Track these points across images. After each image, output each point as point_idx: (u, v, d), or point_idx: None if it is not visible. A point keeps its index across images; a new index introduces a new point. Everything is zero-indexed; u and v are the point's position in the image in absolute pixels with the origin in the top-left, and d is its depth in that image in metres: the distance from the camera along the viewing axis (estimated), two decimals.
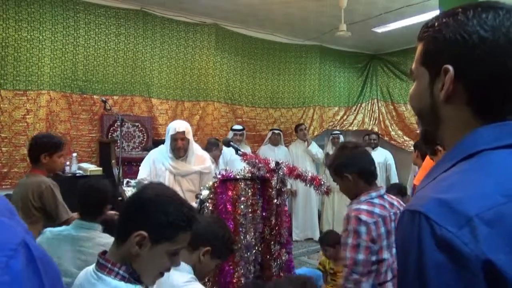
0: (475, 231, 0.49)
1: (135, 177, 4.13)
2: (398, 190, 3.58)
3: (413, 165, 4.33)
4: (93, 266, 1.13)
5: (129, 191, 3.68)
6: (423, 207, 0.54)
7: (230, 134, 4.95)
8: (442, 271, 0.50)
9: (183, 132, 2.84)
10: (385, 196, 1.75)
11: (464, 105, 0.62)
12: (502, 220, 0.50)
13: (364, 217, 1.59)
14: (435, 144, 0.63)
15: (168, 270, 1.15)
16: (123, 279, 1.07)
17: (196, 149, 3.01)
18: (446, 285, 0.50)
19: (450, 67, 0.61)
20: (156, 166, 2.92)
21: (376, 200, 1.68)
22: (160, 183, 1.34)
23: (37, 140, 2.47)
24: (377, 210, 1.64)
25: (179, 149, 2.86)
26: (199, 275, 1.62)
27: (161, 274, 1.13)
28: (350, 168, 1.72)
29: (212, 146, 4.20)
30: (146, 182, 2.88)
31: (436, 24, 0.65)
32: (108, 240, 1.88)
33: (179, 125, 2.88)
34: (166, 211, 1.08)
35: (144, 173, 2.95)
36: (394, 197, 1.83)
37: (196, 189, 2.81)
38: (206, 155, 3.07)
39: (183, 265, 1.53)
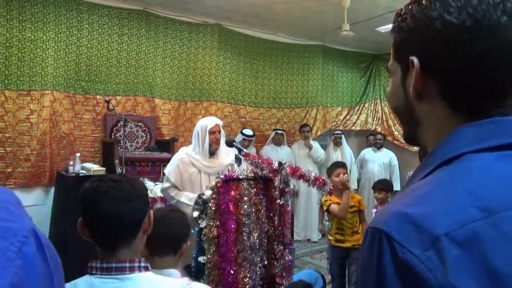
0: (442, 254, 0.41)
1: (138, 177, 4.16)
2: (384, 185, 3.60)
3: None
4: (91, 279, 1.04)
5: None
6: (384, 224, 0.45)
7: (239, 137, 4.84)
8: None
9: (219, 125, 2.93)
10: None
11: (438, 102, 0.55)
12: (477, 239, 0.42)
13: None
14: (419, 147, 0.59)
15: None
16: (147, 269, 1.08)
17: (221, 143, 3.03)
18: None
19: (415, 59, 0.54)
20: (186, 169, 2.85)
21: None
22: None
23: None
24: None
25: (216, 143, 2.88)
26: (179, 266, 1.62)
27: None
28: None
29: (227, 146, 4.21)
30: (171, 190, 2.85)
31: (403, 12, 0.58)
32: None
33: (215, 119, 2.97)
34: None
35: (171, 179, 2.86)
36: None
37: None
38: (227, 148, 3.01)
39: (172, 271, 1.48)
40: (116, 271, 1.04)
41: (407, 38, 0.57)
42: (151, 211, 1.15)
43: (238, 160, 2.94)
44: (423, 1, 0.54)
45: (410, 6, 0.57)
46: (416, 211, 0.44)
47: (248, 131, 5.05)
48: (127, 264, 1.05)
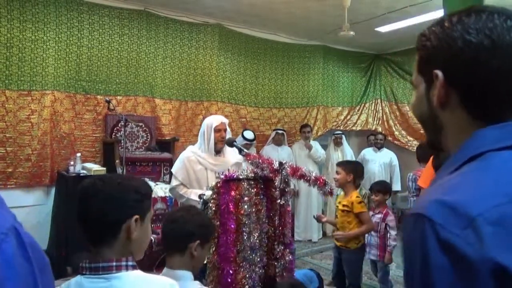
0: (478, 231, 0.49)
1: (139, 177, 4.15)
2: (382, 187, 3.60)
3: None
4: (81, 279, 1.07)
5: None
6: (425, 210, 0.54)
7: (240, 140, 4.67)
8: (447, 274, 0.50)
9: (225, 123, 2.92)
10: None
11: (460, 110, 0.63)
12: (506, 219, 0.50)
13: None
14: (441, 152, 0.78)
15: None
16: (135, 268, 1.10)
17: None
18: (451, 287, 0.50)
19: (439, 72, 0.63)
20: (193, 167, 2.86)
21: None
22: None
23: None
24: None
25: (221, 141, 2.88)
26: (196, 268, 1.61)
27: None
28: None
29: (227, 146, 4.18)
30: (179, 188, 2.84)
31: (427, 33, 0.68)
32: None
33: (221, 118, 2.97)
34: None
35: (179, 178, 2.86)
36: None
37: None
38: (231, 148, 2.99)
39: (182, 273, 1.50)
40: (103, 271, 1.06)
41: (431, 55, 0.66)
42: (135, 217, 1.10)
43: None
44: (445, 24, 0.64)
45: (433, 28, 0.67)
46: (452, 198, 0.53)
47: (250, 135, 4.89)
48: (114, 264, 1.06)
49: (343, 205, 3.16)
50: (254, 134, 5.03)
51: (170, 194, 3.29)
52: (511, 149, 0.58)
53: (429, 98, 0.67)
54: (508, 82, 0.60)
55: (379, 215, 3.44)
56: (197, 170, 2.87)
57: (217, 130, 2.88)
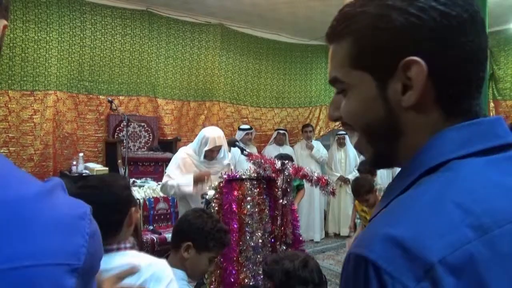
0: (438, 285, 0.36)
1: (141, 177, 4.16)
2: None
3: None
4: None
5: (134, 191, 3.70)
6: (370, 252, 0.39)
7: (240, 134, 4.85)
8: None
9: (221, 144, 2.82)
10: None
11: (432, 105, 0.47)
12: (473, 264, 0.37)
13: None
14: (390, 167, 0.58)
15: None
16: (132, 248, 1.21)
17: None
18: None
19: (418, 59, 0.45)
20: (188, 169, 2.84)
21: None
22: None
23: None
24: None
25: (214, 157, 2.85)
26: (193, 273, 1.56)
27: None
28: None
29: (229, 146, 4.21)
30: (172, 183, 2.83)
31: (365, 10, 0.48)
32: None
33: (217, 138, 2.79)
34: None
35: (172, 177, 2.84)
36: None
37: None
38: (231, 148, 2.99)
39: (175, 272, 1.48)
40: (105, 252, 1.16)
41: (392, 38, 0.46)
42: (133, 209, 1.24)
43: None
44: None
45: (388, 2, 0.47)
46: (404, 233, 0.39)
47: (245, 125, 5.09)
48: (115, 246, 1.19)
49: (362, 210, 3.14)
50: (248, 124, 5.18)
51: (161, 193, 3.28)
52: (482, 155, 0.44)
53: (386, 98, 0.48)
54: (480, 64, 0.47)
55: None
56: (192, 171, 2.84)
57: (211, 150, 2.82)
